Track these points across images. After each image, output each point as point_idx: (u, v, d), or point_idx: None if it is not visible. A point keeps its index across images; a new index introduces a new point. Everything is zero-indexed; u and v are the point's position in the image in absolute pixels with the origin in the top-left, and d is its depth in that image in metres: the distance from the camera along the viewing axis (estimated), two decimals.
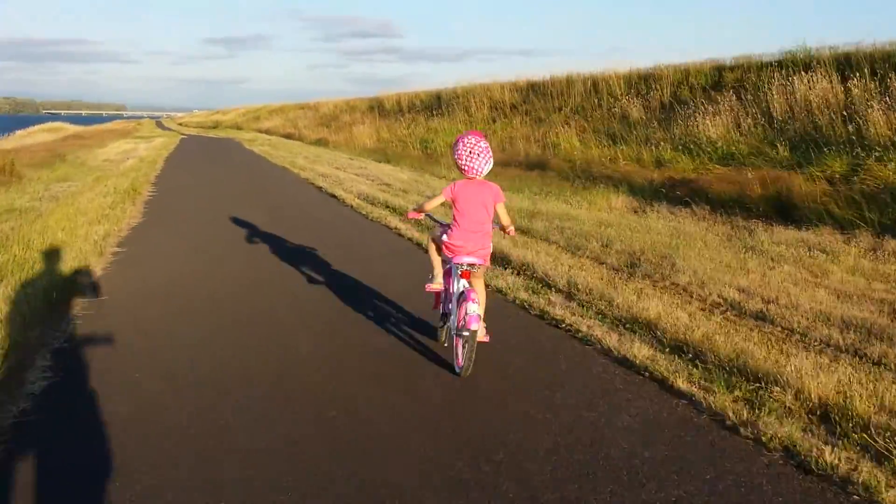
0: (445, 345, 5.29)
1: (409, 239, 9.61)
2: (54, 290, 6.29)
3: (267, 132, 51.70)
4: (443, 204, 5.16)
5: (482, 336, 4.95)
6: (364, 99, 45.13)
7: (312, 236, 9.84)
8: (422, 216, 5.54)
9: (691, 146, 14.94)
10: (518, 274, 7.49)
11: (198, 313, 6.21)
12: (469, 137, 5.00)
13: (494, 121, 26.50)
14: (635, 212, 12.16)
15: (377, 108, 39.60)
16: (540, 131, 21.99)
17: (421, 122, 31.22)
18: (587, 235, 9.29)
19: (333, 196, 14.40)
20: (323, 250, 8.88)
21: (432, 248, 5.35)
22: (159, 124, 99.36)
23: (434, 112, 31.58)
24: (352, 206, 12.90)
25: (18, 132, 46.51)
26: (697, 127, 15.59)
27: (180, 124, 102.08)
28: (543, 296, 6.61)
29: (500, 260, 8.01)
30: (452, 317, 4.94)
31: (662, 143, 15.79)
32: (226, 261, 8.37)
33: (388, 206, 12.45)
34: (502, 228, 5.13)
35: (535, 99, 25.71)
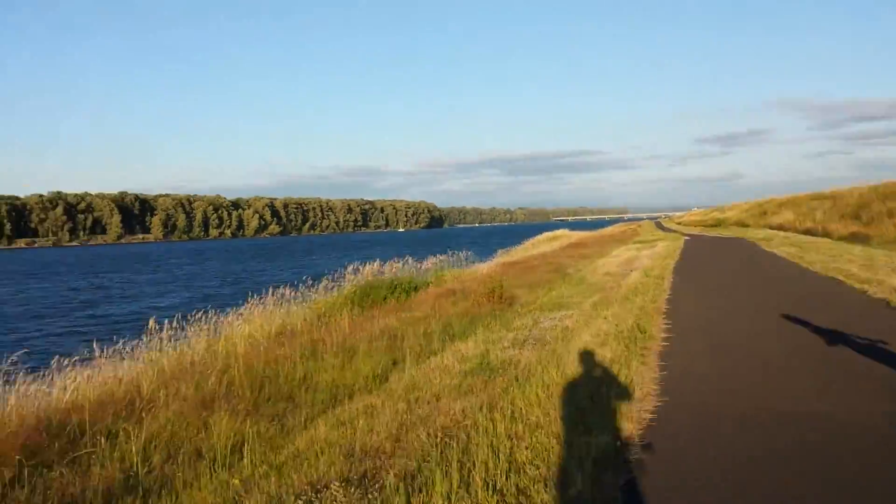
0: None
1: None
2: None
3: (780, 228, 45.22)
4: None
5: None
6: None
7: None
8: None
9: None
10: None
11: None
12: None
13: None
14: None
15: None
16: None
17: None
18: None
19: None
20: None
21: None
22: (658, 225, 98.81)
23: None
24: None
25: (525, 243, 48.21)
26: None
27: (678, 223, 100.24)
28: None
29: None
30: None
31: None
32: None
33: None
34: None
35: None
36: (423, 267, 22.12)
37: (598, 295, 15.60)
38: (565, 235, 50.31)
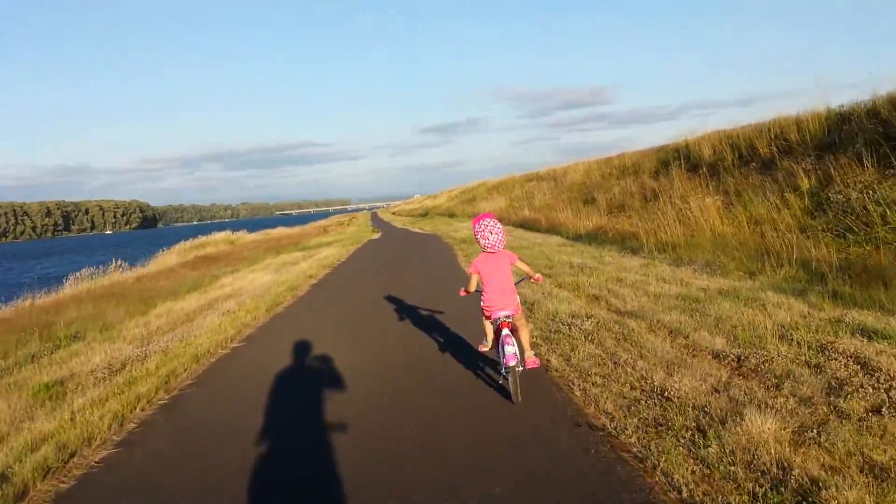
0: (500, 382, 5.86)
1: None
2: None
3: None
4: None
5: (532, 363, 6.10)
6: (644, 152, 26.99)
7: None
8: (469, 294, 6.28)
9: None
10: None
11: None
12: (484, 220, 6.03)
13: None
14: None
15: (681, 160, 21.38)
16: None
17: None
18: None
19: None
20: None
21: (484, 319, 6.17)
22: (374, 216, 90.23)
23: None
24: None
25: (160, 254, 33.47)
26: None
27: (393, 213, 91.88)
28: None
29: None
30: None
31: None
32: None
33: None
34: (530, 278, 6.24)
35: None
36: None
37: None
38: (217, 241, 36.63)
